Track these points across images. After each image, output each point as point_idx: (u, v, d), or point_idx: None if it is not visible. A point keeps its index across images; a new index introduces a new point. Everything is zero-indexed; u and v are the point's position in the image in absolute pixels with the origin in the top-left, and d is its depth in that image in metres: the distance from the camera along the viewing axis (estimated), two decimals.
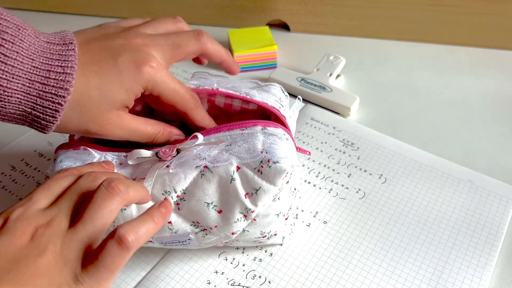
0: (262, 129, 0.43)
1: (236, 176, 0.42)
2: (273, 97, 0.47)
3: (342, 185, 0.56)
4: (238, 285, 0.47)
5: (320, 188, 0.56)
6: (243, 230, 0.45)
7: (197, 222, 0.44)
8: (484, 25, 0.76)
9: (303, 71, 0.73)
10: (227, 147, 0.42)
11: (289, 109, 0.49)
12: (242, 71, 0.75)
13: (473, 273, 0.48)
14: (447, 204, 0.54)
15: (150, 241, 0.46)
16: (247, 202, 0.42)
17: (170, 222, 0.44)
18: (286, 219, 0.47)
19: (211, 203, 0.43)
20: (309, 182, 0.57)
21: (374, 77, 0.74)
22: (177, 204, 0.43)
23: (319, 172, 0.58)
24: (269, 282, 0.48)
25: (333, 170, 0.58)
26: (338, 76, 0.72)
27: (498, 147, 0.62)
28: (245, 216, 0.43)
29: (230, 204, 0.43)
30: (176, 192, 0.43)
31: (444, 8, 0.76)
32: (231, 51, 0.76)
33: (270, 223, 0.45)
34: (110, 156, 0.44)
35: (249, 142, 0.42)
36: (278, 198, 0.44)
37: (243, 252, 0.50)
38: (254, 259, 0.49)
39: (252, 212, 0.43)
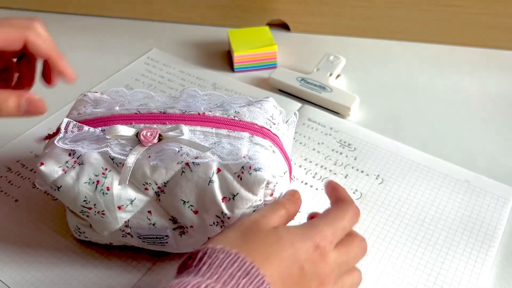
0: (250, 136, 0.43)
1: (215, 178, 0.41)
2: (264, 114, 0.46)
3: None
4: None
5: (316, 189, 0.56)
6: None
7: (175, 218, 0.45)
8: (484, 25, 0.76)
9: (303, 71, 0.73)
10: (211, 145, 0.42)
11: (284, 123, 0.48)
12: (242, 71, 0.75)
13: (470, 274, 0.48)
14: (444, 205, 0.54)
15: (129, 234, 0.46)
16: (223, 206, 0.42)
17: (149, 212, 0.44)
18: None
19: (187, 202, 0.43)
20: (306, 183, 0.57)
21: (374, 77, 0.74)
22: (158, 195, 0.44)
23: (315, 173, 0.58)
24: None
25: (330, 171, 0.58)
26: (338, 76, 0.72)
27: (498, 147, 0.62)
28: (222, 222, 0.43)
29: (207, 206, 0.43)
30: (157, 184, 0.43)
31: (444, 8, 0.75)
32: (231, 51, 0.76)
33: None
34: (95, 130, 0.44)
35: (234, 146, 0.42)
36: (258, 210, 0.43)
37: None
38: None
39: (229, 218, 0.43)
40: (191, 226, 0.44)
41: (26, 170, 0.60)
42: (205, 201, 0.42)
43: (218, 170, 0.42)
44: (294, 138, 0.62)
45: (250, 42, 0.75)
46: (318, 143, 0.62)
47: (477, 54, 0.77)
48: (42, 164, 0.43)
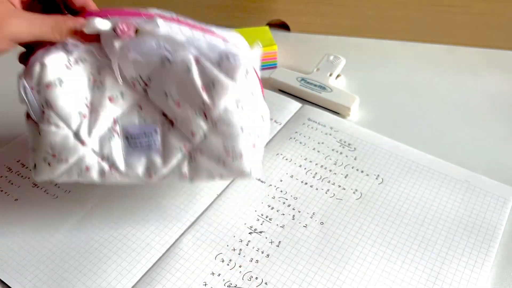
0: (224, 41, 0.45)
1: (194, 67, 0.43)
2: (232, 39, 0.47)
3: (339, 186, 0.56)
4: (235, 286, 0.47)
5: (317, 189, 0.56)
6: (205, 136, 0.45)
7: (163, 113, 0.46)
8: (484, 25, 0.76)
9: (303, 71, 0.73)
10: (189, 39, 0.43)
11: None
12: None
13: (470, 274, 0.48)
14: (444, 205, 0.54)
15: (116, 132, 0.46)
16: (204, 95, 0.43)
17: (140, 106, 0.46)
18: (253, 146, 0.46)
19: (170, 94, 0.44)
20: (306, 183, 0.57)
21: (374, 77, 0.74)
22: (145, 91, 0.45)
23: (316, 173, 0.58)
24: (266, 283, 0.48)
25: (330, 170, 0.58)
26: (338, 76, 0.72)
27: (498, 147, 0.62)
28: (205, 114, 0.44)
29: (188, 97, 0.44)
30: (142, 79, 0.44)
31: (444, 8, 0.75)
32: None
33: (233, 136, 0.45)
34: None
35: (211, 41, 0.44)
36: (242, 107, 0.44)
37: (239, 254, 0.50)
38: (251, 260, 0.49)
39: (210, 109, 0.43)
40: (176, 120, 0.45)
41: (26, 170, 0.60)
42: (186, 92, 0.43)
43: (197, 60, 0.43)
44: (294, 138, 0.62)
45: (250, 42, 0.74)
46: (318, 143, 0.62)
47: (477, 54, 0.77)
48: (43, 61, 0.42)
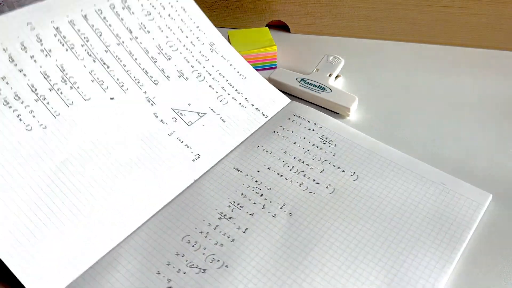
0: None
1: None
2: None
3: (313, 180, 0.57)
4: (196, 267, 0.49)
5: (291, 182, 0.57)
6: None
7: None
8: (483, 26, 0.75)
9: (303, 71, 0.74)
10: None
11: None
12: None
13: (429, 274, 0.48)
14: (415, 205, 0.54)
15: None
16: None
17: None
18: None
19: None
20: (282, 175, 0.58)
21: (373, 78, 0.74)
22: None
23: (292, 166, 0.59)
24: (226, 266, 0.49)
25: (307, 165, 0.59)
26: (337, 76, 0.73)
27: (497, 148, 0.61)
28: None
29: None
30: None
31: (443, 9, 0.75)
32: None
33: None
34: None
35: None
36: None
37: (205, 237, 0.52)
38: (216, 244, 0.51)
39: None
40: None
41: None
42: None
43: None
44: (277, 132, 0.63)
45: (250, 43, 0.76)
46: (300, 138, 0.62)
47: (476, 54, 0.76)
48: None
